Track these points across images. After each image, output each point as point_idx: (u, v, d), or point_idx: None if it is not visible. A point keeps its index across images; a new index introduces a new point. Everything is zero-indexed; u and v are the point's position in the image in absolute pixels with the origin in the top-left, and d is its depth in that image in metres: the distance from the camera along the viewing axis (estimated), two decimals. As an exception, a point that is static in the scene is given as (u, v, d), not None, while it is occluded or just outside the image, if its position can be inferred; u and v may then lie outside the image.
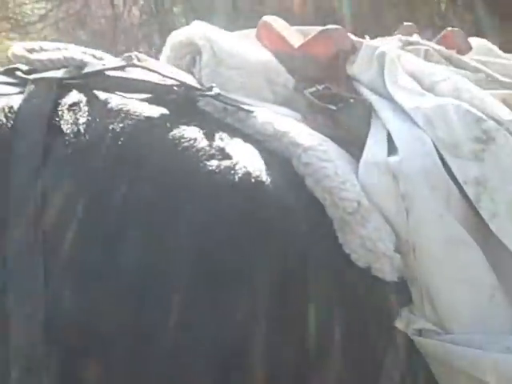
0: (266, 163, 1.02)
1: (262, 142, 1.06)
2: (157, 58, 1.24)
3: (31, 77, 1.06)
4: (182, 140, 1.00)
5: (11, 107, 0.99)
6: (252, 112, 1.08)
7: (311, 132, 1.07)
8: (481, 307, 1.01)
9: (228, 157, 1.00)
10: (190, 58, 1.19)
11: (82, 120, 1.01)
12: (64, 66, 1.11)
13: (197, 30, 1.19)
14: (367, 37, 1.32)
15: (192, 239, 0.94)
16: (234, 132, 1.06)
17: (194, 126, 1.03)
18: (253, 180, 0.98)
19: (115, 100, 1.04)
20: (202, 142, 1.00)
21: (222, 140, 1.02)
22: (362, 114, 1.14)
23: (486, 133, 1.04)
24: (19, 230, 0.92)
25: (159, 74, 1.10)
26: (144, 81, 1.10)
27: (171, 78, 1.10)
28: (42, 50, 1.14)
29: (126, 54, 1.13)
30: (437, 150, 1.04)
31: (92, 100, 1.04)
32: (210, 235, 0.94)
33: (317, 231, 1.00)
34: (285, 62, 1.19)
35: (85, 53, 1.16)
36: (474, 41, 1.39)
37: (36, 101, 1.02)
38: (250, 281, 0.94)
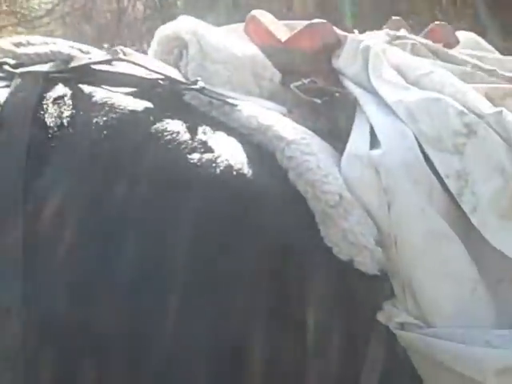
0: (248, 157, 1.02)
1: (247, 135, 1.06)
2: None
3: (18, 71, 1.07)
4: (165, 133, 1.01)
5: (-3, 101, 1.00)
6: (237, 106, 1.08)
7: (295, 126, 1.08)
8: (462, 301, 1.01)
9: (210, 150, 1.00)
10: (177, 53, 1.19)
11: (66, 113, 1.02)
12: (51, 60, 1.12)
13: (184, 25, 1.20)
14: (356, 31, 1.33)
15: (173, 233, 0.95)
16: (218, 125, 1.06)
17: (178, 119, 1.04)
18: (234, 173, 0.99)
19: (100, 93, 1.05)
20: (185, 136, 1.01)
21: (205, 133, 1.03)
22: (347, 107, 1.14)
23: (467, 126, 1.04)
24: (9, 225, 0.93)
25: (145, 68, 1.11)
26: (129, 75, 1.11)
27: (156, 72, 1.10)
28: (29, 44, 1.15)
29: (112, 48, 1.14)
30: (419, 144, 1.05)
31: (77, 93, 1.05)
32: (191, 229, 0.95)
33: (298, 224, 1.01)
34: (271, 56, 1.20)
35: (72, 47, 1.17)
36: (461, 34, 1.39)
37: (22, 94, 1.03)
38: (233, 274, 0.95)
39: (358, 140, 1.07)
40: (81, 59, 1.12)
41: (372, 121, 1.08)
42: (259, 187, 1.00)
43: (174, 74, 1.13)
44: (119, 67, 1.12)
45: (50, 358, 0.91)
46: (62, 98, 1.04)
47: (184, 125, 1.03)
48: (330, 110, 1.14)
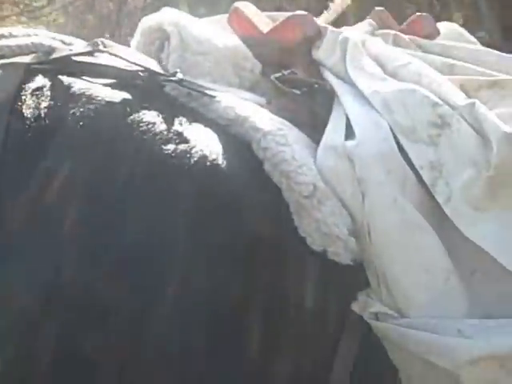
0: (224, 147, 1.03)
1: (224, 126, 1.07)
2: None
3: (-1, 62, 1.09)
4: (141, 124, 1.02)
5: (-23, 92, 1.02)
6: (215, 97, 1.09)
7: (272, 117, 1.09)
8: (436, 291, 1.02)
9: (185, 141, 1.01)
10: (159, 44, 1.20)
11: (43, 104, 1.03)
12: (32, 52, 1.13)
13: (166, 16, 1.20)
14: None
15: (145, 222, 0.96)
16: (195, 117, 1.07)
17: (155, 110, 1.04)
18: (208, 164, 1.00)
19: (78, 84, 1.06)
20: (161, 126, 1.02)
21: (181, 124, 1.04)
22: (326, 98, 1.15)
23: (441, 118, 1.04)
24: None
25: (125, 59, 1.12)
26: (109, 66, 1.11)
27: (136, 64, 1.11)
28: (11, 36, 1.16)
29: (93, 40, 1.15)
30: (394, 135, 1.05)
31: (56, 84, 1.06)
32: (164, 219, 0.96)
33: (273, 215, 1.02)
34: (253, 48, 1.20)
35: (54, 38, 1.18)
36: (443, 26, 1.39)
37: (2, 85, 1.05)
38: (206, 263, 0.97)
39: (333, 131, 1.08)
40: (62, 51, 1.13)
41: (348, 112, 1.09)
42: (233, 178, 1.01)
43: (154, 65, 1.14)
44: (100, 59, 1.13)
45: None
46: (40, 89, 1.05)
47: (160, 116, 1.04)
48: (309, 101, 1.15)
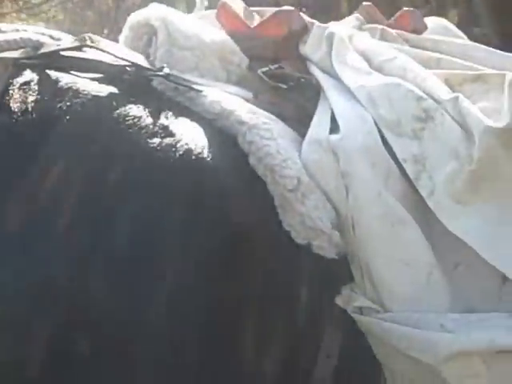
0: (210, 141, 1.04)
1: (210, 120, 1.08)
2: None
3: (-13, 57, 1.09)
4: (127, 118, 1.02)
5: (-35, 87, 1.03)
6: (202, 91, 1.10)
7: (258, 111, 1.09)
8: (418, 285, 1.02)
9: (171, 134, 1.02)
10: (146, 39, 1.21)
11: (30, 98, 1.04)
12: (21, 47, 1.14)
13: (154, 11, 1.21)
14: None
15: (131, 217, 0.97)
16: (182, 111, 1.08)
17: (141, 104, 1.05)
18: (194, 157, 1.01)
19: (66, 79, 1.07)
20: (147, 120, 1.03)
21: (167, 118, 1.05)
22: (312, 93, 1.16)
23: (425, 111, 1.05)
24: None
25: (112, 54, 1.13)
26: (97, 61, 1.12)
27: (123, 59, 1.12)
28: (-1, 31, 1.17)
29: (81, 35, 1.16)
30: (378, 129, 1.06)
31: (43, 79, 1.07)
32: (149, 213, 0.97)
33: (257, 209, 1.03)
34: (240, 42, 1.21)
35: (43, 34, 1.19)
36: (431, 21, 1.40)
37: (-10, 80, 1.06)
38: (191, 258, 0.97)
39: (318, 125, 1.08)
40: (50, 46, 1.14)
41: (333, 106, 1.10)
42: (218, 172, 1.01)
43: (141, 60, 1.15)
44: (88, 54, 1.14)
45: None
46: (28, 83, 1.06)
47: (147, 110, 1.05)
48: (296, 96, 1.16)
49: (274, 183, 1.03)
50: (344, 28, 1.24)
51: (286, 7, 1.25)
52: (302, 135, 1.09)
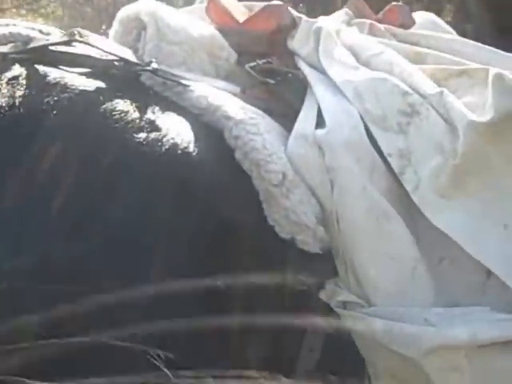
0: (196, 136, 1.04)
1: (197, 115, 1.09)
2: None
3: (-23, 52, 1.10)
4: (114, 113, 1.03)
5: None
6: (189, 86, 1.11)
7: (245, 106, 1.10)
8: (403, 280, 1.03)
9: (157, 129, 1.03)
10: (135, 34, 1.21)
11: (18, 93, 1.04)
12: (10, 42, 1.14)
13: (143, 6, 1.22)
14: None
15: (117, 208, 0.97)
16: (169, 105, 1.09)
17: (129, 99, 1.06)
18: (179, 152, 1.02)
19: (54, 74, 1.08)
20: (134, 115, 1.04)
21: (154, 113, 1.05)
22: (299, 87, 1.16)
23: (411, 106, 1.06)
24: None
25: (100, 49, 1.13)
26: (85, 56, 1.13)
27: (111, 54, 1.13)
28: (-11, 26, 1.17)
29: (69, 30, 1.17)
30: (364, 123, 1.07)
31: (31, 74, 1.08)
32: (135, 204, 0.98)
33: (242, 203, 1.03)
34: (229, 37, 1.22)
35: (32, 28, 1.19)
36: (419, 16, 1.40)
37: (-21, 75, 1.07)
38: (176, 251, 0.98)
39: (305, 120, 1.09)
40: (39, 40, 1.14)
41: (320, 100, 1.10)
42: (204, 166, 1.02)
43: (129, 55, 1.15)
44: (77, 49, 1.15)
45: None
46: (16, 78, 1.06)
47: (134, 104, 1.05)
48: (283, 91, 1.16)
49: (259, 178, 1.03)
50: (332, 23, 1.24)
51: (275, 2, 1.25)
52: (289, 130, 1.10)
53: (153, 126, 1.03)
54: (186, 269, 0.98)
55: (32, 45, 1.13)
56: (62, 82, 1.06)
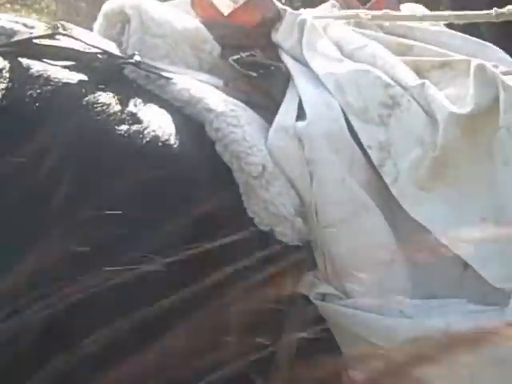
0: (177, 128, 1.05)
1: (179, 107, 1.09)
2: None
3: (-40, 46, 1.10)
4: (95, 105, 1.04)
5: None
6: (171, 79, 1.11)
7: (227, 98, 1.10)
8: (381, 272, 1.03)
9: (138, 121, 1.04)
10: (120, 27, 1.22)
11: (1, 86, 1.05)
12: (-6, 35, 1.15)
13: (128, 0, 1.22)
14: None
15: (98, 200, 0.98)
16: (151, 98, 1.09)
17: (111, 92, 1.06)
18: (160, 144, 1.02)
19: (37, 67, 1.08)
20: (115, 107, 1.04)
21: (136, 106, 1.06)
22: (281, 80, 1.17)
23: (392, 98, 1.06)
24: None
25: (84, 42, 1.14)
26: (69, 49, 1.13)
27: (95, 47, 1.13)
28: (-27, 20, 1.18)
29: (53, 23, 1.17)
30: (345, 116, 1.07)
31: (15, 66, 1.08)
32: (116, 196, 0.98)
33: (222, 196, 1.04)
34: (213, 30, 1.22)
35: (16, 22, 1.20)
36: (407, 7, 1.40)
37: (-39, 68, 1.07)
38: (155, 242, 0.98)
39: (286, 112, 1.09)
40: (23, 34, 1.15)
41: (301, 93, 1.11)
42: (184, 158, 1.03)
43: (112, 48, 1.16)
44: (61, 42, 1.15)
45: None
46: (0, 71, 1.07)
47: (116, 97, 1.06)
48: (265, 83, 1.17)
49: (239, 170, 1.04)
50: (318, 15, 1.24)
51: (261, -6, 1.25)
52: (270, 122, 1.10)
53: (134, 119, 1.04)
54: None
55: (16, 38, 1.14)
56: (45, 75, 1.07)
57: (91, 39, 1.15)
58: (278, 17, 1.24)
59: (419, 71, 1.10)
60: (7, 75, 1.06)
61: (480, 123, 1.03)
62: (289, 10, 1.24)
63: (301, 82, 1.12)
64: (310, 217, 1.05)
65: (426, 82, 1.06)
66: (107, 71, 1.12)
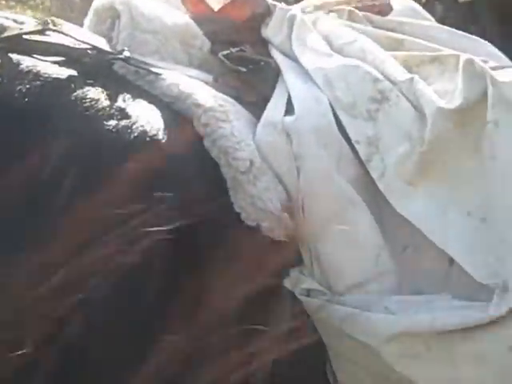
0: (166, 124, 1.05)
1: (168, 103, 1.09)
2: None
3: (-50, 42, 1.11)
4: (84, 100, 1.04)
5: None
6: (161, 74, 1.11)
7: (216, 94, 1.10)
8: (366, 267, 1.04)
9: (127, 116, 1.04)
10: (110, 23, 1.22)
11: (-9, 81, 1.05)
12: (-16, 32, 1.15)
13: (119, -5, 1.22)
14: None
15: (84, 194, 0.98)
16: (140, 94, 1.09)
17: (100, 87, 1.07)
18: (148, 139, 1.02)
19: (27, 62, 1.08)
20: (104, 103, 1.04)
21: (125, 101, 1.06)
22: (271, 75, 1.17)
23: (381, 93, 1.06)
24: None
25: (74, 38, 1.14)
26: (59, 44, 1.13)
27: (84, 42, 1.13)
28: (-38, 16, 1.18)
29: (44, 19, 1.17)
30: (334, 111, 1.07)
31: (5, 62, 1.08)
32: (101, 191, 0.99)
33: (209, 191, 1.04)
34: (203, 25, 1.22)
35: (7, 18, 1.20)
36: (398, 2, 1.39)
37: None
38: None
39: (274, 107, 1.09)
40: (13, 29, 1.15)
41: (290, 88, 1.11)
42: (172, 154, 1.03)
43: (102, 44, 1.16)
44: (51, 37, 1.15)
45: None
46: (-10, 67, 1.07)
47: (105, 92, 1.06)
48: (255, 79, 1.17)
49: (227, 165, 1.04)
50: (309, 11, 1.24)
51: (249, -10, 1.25)
52: (259, 118, 1.10)
53: (123, 114, 1.04)
54: (150, 258, 0.98)
55: (6, 34, 1.14)
56: (35, 70, 1.07)
57: (81, 35, 1.16)
58: (268, 12, 1.24)
59: (409, 66, 1.10)
60: (-3, 71, 1.07)
61: (468, 118, 1.03)
62: (279, 5, 1.24)
63: (290, 77, 1.13)
64: (296, 212, 1.04)
65: (415, 76, 1.06)
66: (96, 67, 1.12)
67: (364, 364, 1.03)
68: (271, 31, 1.22)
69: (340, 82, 1.08)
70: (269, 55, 1.21)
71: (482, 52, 1.17)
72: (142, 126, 1.03)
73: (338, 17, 1.29)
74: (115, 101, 1.05)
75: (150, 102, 1.08)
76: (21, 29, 1.15)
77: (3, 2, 4.87)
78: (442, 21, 1.34)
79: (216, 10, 1.26)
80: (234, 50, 1.19)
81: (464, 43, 1.24)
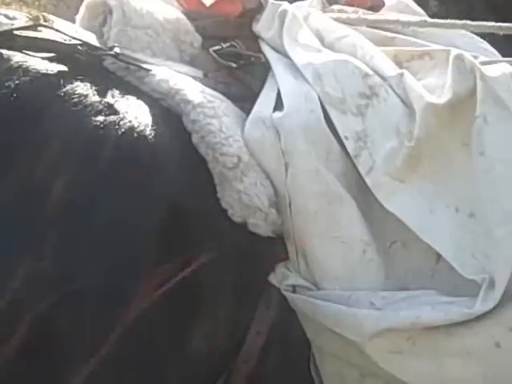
0: (154, 120, 1.05)
1: (158, 99, 1.09)
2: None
3: None
4: (73, 96, 1.04)
5: None
6: (151, 70, 1.11)
7: (205, 89, 1.10)
8: (352, 263, 1.03)
9: (115, 112, 1.04)
10: (102, 18, 1.22)
11: (-19, 77, 1.05)
12: (-25, 27, 1.15)
13: (111, -9, 1.22)
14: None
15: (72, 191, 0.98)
16: (130, 90, 1.09)
17: (89, 83, 1.07)
18: (135, 135, 1.02)
19: (17, 58, 1.08)
20: (93, 98, 1.05)
21: (114, 97, 1.06)
22: (261, 71, 1.17)
23: (370, 88, 1.06)
24: None
25: (64, 34, 1.14)
26: (49, 40, 1.14)
27: (75, 38, 1.14)
28: (-46, 12, 1.18)
29: (34, 15, 1.17)
30: (323, 106, 1.07)
31: (-5, 58, 1.09)
32: (90, 188, 0.99)
33: (196, 187, 1.04)
34: (195, 21, 1.22)
35: (-3, 14, 1.20)
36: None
37: None
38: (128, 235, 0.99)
39: (263, 103, 1.09)
40: (4, 25, 1.15)
41: (280, 84, 1.10)
42: (160, 150, 1.02)
43: (93, 40, 1.16)
44: (41, 33, 1.15)
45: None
46: (-20, 62, 1.08)
47: (94, 88, 1.06)
48: (245, 74, 1.17)
49: (214, 161, 1.04)
50: (301, 6, 1.24)
51: (242, -14, 1.25)
52: (248, 113, 1.10)
53: (111, 110, 1.04)
54: (137, 253, 0.98)
55: (-3, 29, 1.14)
56: (24, 66, 1.07)
57: (72, 31, 1.16)
58: (260, 7, 1.24)
59: (399, 61, 1.10)
60: (-13, 67, 1.07)
61: (457, 113, 1.03)
62: (270, 0, 1.24)
63: (280, 72, 1.12)
64: (283, 208, 1.04)
65: (405, 72, 1.05)
66: (87, 63, 1.12)
67: (348, 359, 1.03)
68: (262, 26, 1.22)
69: (329, 78, 1.08)
70: (260, 51, 1.20)
71: (472, 47, 1.17)
72: (129, 121, 1.03)
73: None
74: (104, 96, 1.05)
75: (139, 98, 1.08)
76: (12, 24, 1.15)
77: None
78: (435, 16, 1.33)
79: (208, 5, 1.25)
80: (224, 45, 1.19)
81: (454, 38, 1.23)
